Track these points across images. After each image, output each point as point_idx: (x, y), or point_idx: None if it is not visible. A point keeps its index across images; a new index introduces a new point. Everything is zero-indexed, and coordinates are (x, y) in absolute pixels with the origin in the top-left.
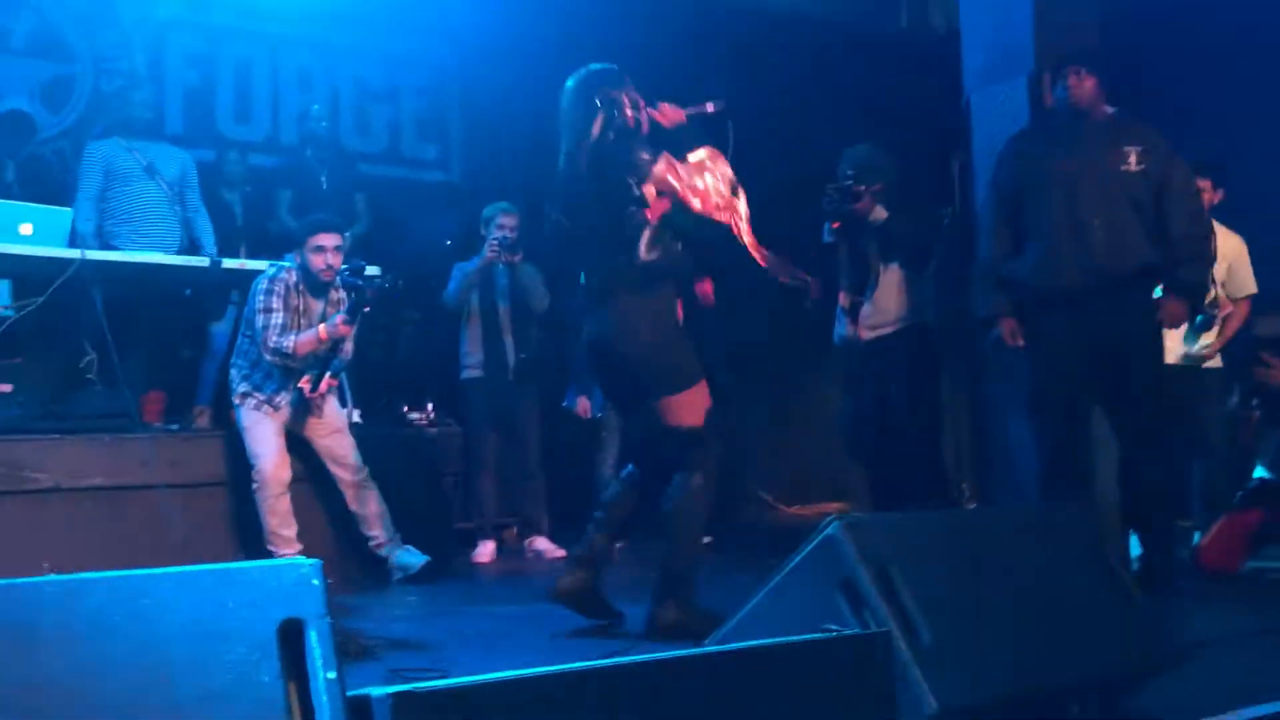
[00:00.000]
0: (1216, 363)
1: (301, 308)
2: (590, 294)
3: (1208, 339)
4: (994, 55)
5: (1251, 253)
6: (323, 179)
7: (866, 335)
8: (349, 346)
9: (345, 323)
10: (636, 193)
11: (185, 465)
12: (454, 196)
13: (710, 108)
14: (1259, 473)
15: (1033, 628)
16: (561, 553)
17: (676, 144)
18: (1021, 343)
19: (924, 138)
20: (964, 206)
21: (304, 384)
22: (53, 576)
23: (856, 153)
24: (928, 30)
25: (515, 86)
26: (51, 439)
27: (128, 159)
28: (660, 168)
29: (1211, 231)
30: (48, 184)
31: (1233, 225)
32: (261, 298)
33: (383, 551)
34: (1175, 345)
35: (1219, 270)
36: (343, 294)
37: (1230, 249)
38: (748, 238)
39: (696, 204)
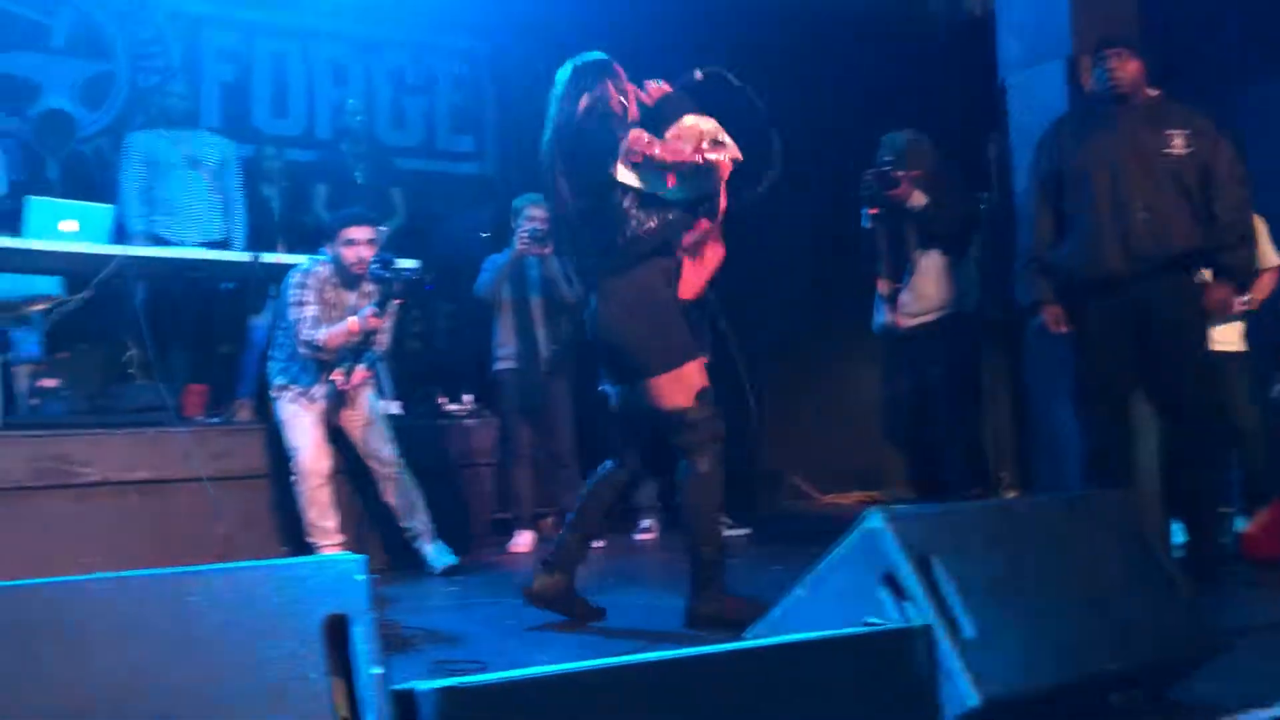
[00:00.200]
0: (1241, 346)
1: (334, 301)
2: (584, 278)
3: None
4: (1030, 39)
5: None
6: (358, 173)
7: (905, 323)
8: (383, 339)
9: (375, 315)
10: (608, 174)
11: (227, 458)
12: (489, 188)
13: (699, 75)
14: None
15: (1075, 618)
16: (601, 542)
17: (671, 119)
18: (1065, 329)
19: (959, 122)
20: (1001, 192)
21: (337, 376)
22: (99, 575)
23: (895, 138)
24: (963, 13)
25: (549, 77)
26: (98, 433)
27: (169, 150)
28: (630, 138)
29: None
30: (89, 181)
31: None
32: (294, 291)
33: (416, 544)
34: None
35: None
36: (374, 287)
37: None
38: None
39: (668, 158)
